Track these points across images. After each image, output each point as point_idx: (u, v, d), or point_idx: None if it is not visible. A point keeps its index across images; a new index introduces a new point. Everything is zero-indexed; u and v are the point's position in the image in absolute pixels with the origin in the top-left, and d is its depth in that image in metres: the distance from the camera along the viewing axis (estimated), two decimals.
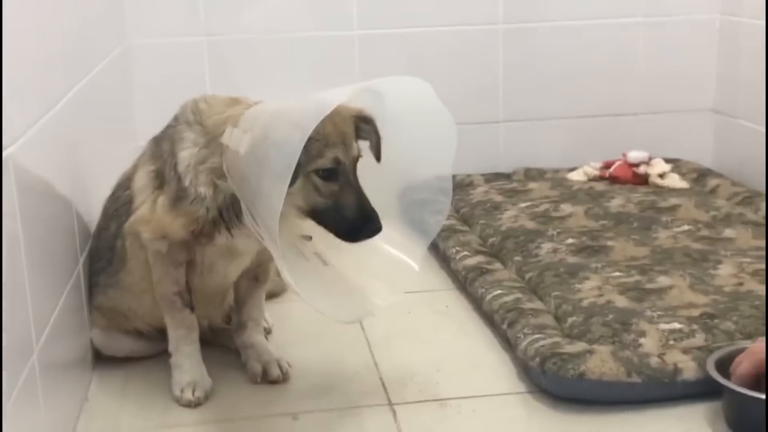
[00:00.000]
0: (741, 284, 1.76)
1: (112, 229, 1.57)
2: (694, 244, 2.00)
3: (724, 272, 1.82)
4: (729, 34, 2.58)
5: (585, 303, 1.68)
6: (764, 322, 1.58)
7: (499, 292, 1.76)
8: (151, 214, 1.47)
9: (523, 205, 2.28)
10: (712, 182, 2.45)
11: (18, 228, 1.18)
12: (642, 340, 1.53)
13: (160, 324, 1.58)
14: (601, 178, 2.51)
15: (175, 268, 1.50)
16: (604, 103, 2.63)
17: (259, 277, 1.63)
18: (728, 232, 2.07)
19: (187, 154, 1.43)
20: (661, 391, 1.45)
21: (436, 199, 1.53)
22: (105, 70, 1.94)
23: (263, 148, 1.30)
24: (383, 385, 1.55)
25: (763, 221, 2.16)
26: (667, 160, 2.54)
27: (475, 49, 2.53)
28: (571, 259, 1.91)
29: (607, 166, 2.52)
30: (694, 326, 1.56)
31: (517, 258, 1.95)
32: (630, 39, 2.60)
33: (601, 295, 1.71)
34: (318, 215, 1.39)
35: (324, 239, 1.46)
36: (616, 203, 2.28)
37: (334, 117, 1.33)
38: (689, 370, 1.46)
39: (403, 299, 1.79)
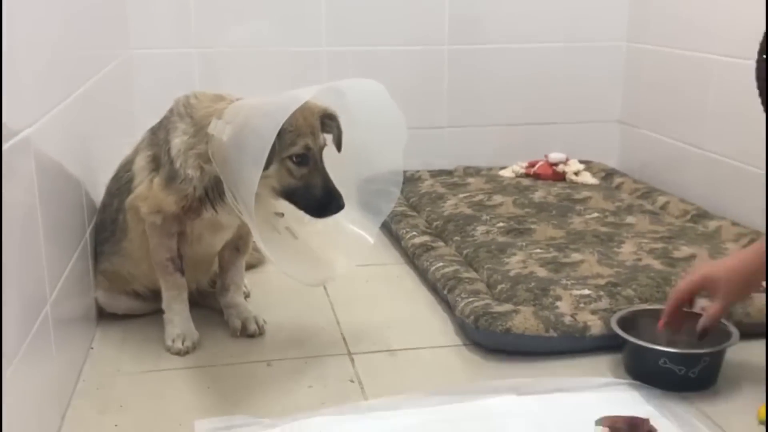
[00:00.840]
0: (639, 260, 1.78)
1: (115, 204, 1.56)
2: (602, 228, 2.03)
3: (626, 250, 1.85)
4: (633, 58, 2.61)
5: (512, 273, 1.70)
6: (658, 289, 1.60)
7: (441, 264, 1.77)
8: (148, 191, 1.46)
9: (462, 195, 2.29)
10: (617, 180, 2.48)
11: (36, 201, 1.17)
12: (558, 303, 1.55)
13: (155, 286, 1.56)
14: (526, 175, 2.53)
15: (168, 238, 1.49)
16: (530, 113, 2.64)
17: (239, 248, 1.62)
18: (629, 219, 2.10)
19: (178, 142, 1.42)
20: (572, 344, 1.47)
21: (388, 189, 1.54)
22: (110, 73, 1.93)
23: (243, 137, 1.29)
24: (343, 338, 1.56)
25: (658, 210, 2.20)
26: (581, 161, 2.56)
27: (424, 65, 2.54)
28: (501, 239, 1.93)
29: (532, 165, 2.54)
30: (601, 292, 1.58)
31: (457, 238, 1.96)
32: (552, 60, 2.62)
33: (525, 267, 1.73)
34: (290, 195, 1.38)
35: (294, 216, 1.46)
36: (538, 195, 2.30)
37: (304, 111, 1.34)
38: (596, 327, 1.48)
39: (362, 270, 1.83)
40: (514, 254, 1.81)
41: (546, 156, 2.54)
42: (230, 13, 2.37)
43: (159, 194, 1.44)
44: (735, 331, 1.39)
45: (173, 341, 1.49)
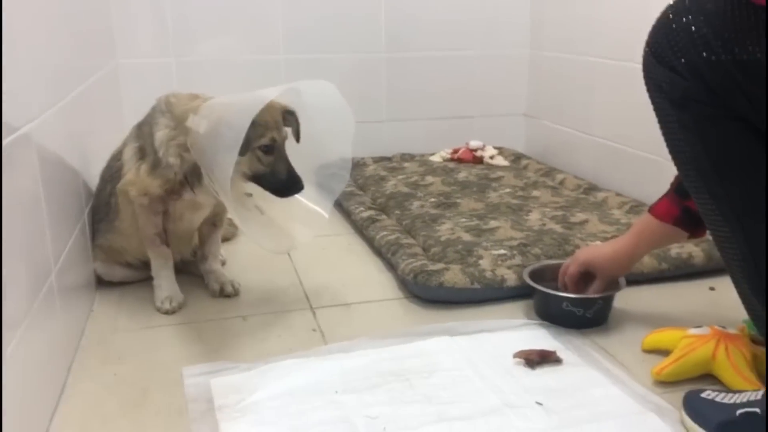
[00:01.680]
0: (544, 225, 1.80)
1: (108, 189, 1.50)
2: (513, 200, 2.04)
3: (533, 217, 1.86)
4: (534, 62, 2.63)
5: (442, 238, 1.70)
6: (560, 248, 1.62)
7: (385, 233, 1.76)
8: (136, 177, 1.41)
9: (400, 177, 2.28)
10: (524, 162, 2.50)
11: (39, 188, 1.13)
12: (480, 261, 1.55)
13: (144, 257, 1.52)
14: (451, 160, 2.52)
15: (155, 216, 1.44)
16: (453, 108, 2.63)
17: (216, 223, 1.58)
18: (535, 193, 2.11)
19: (161, 134, 1.38)
20: (493, 294, 1.48)
21: (340, 173, 1.52)
22: (100, 79, 1.86)
23: (219, 130, 1.26)
24: (306, 295, 1.54)
25: (557, 185, 2.22)
26: (495, 147, 2.57)
27: (366, 70, 2.51)
28: (433, 211, 1.93)
29: (456, 151, 2.54)
30: (514, 251, 1.59)
31: (397, 211, 1.95)
32: (470, 65, 2.61)
33: (453, 233, 1.73)
34: (258, 179, 1.36)
35: (261, 196, 1.43)
36: (462, 175, 2.31)
37: (269, 108, 1.31)
38: (511, 279, 1.49)
39: (319, 240, 1.80)
40: (444, 223, 1.81)
41: (467, 143, 2.54)
42: (202, 28, 2.30)
43: (145, 179, 1.40)
44: (622, 280, 1.41)
45: (162, 302, 1.46)
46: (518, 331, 1.35)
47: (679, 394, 1.09)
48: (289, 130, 1.41)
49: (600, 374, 1.19)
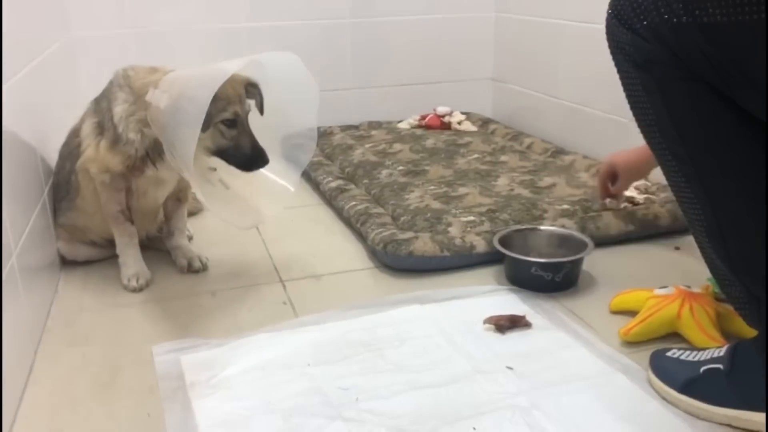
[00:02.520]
0: (512, 190, 1.81)
1: (67, 167, 1.47)
2: (481, 166, 2.04)
3: (501, 183, 1.87)
4: (501, 25, 2.61)
5: (412, 207, 1.69)
6: (528, 213, 1.63)
7: (354, 203, 1.75)
8: (96, 154, 1.38)
9: (368, 145, 2.26)
10: (492, 126, 2.50)
11: None
12: (450, 229, 1.55)
13: (108, 235, 1.49)
14: (419, 126, 2.51)
15: (117, 192, 1.42)
16: (419, 74, 2.61)
17: (180, 198, 1.56)
18: (503, 158, 2.12)
19: (120, 110, 1.35)
20: (462, 261, 1.49)
21: (306, 143, 1.50)
22: (54, 53, 1.80)
23: (180, 105, 1.23)
24: (275, 268, 1.53)
25: (524, 150, 2.23)
26: (463, 113, 2.56)
27: (330, 37, 2.46)
28: (402, 179, 1.92)
29: (423, 117, 2.52)
30: (483, 218, 1.60)
31: (365, 181, 1.94)
32: (435, 30, 2.58)
33: (422, 201, 1.73)
34: (222, 153, 1.34)
35: (226, 170, 1.41)
36: (430, 142, 2.30)
37: (231, 81, 1.29)
38: (480, 246, 1.50)
39: (287, 212, 1.79)
40: (413, 191, 1.80)
41: (434, 109, 2.52)
42: None
43: (106, 156, 1.37)
44: (590, 242, 1.43)
45: (129, 280, 1.44)
46: (488, 297, 1.37)
47: (645, 354, 1.12)
48: (252, 103, 1.39)
49: (569, 337, 1.22)
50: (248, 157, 1.33)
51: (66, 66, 2.01)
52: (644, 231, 1.61)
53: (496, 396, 1.05)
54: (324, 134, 2.40)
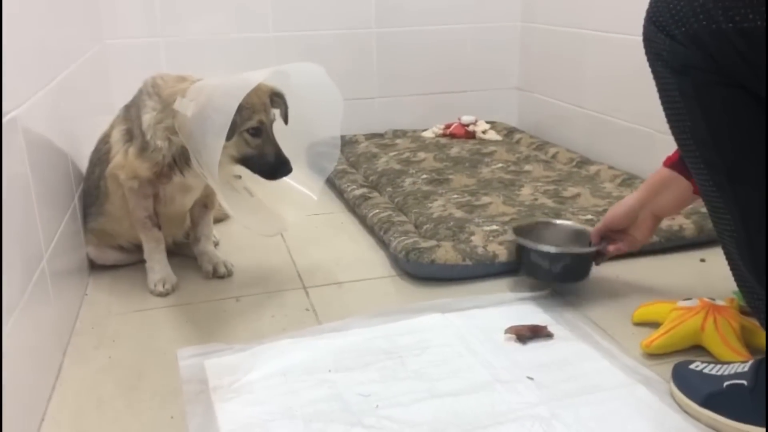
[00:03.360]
0: (536, 199, 1.81)
1: (97, 173, 1.50)
2: (505, 175, 2.04)
3: (525, 192, 1.87)
4: (526, 35, 2.61)
5: (434, 215, 1.70)
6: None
7: (377, 211, 1.76)
8: (125, 160, 1.41)
9: (392, 154, 2.28)
10: (517, 136, 2.50)
11: (27, 172, 1.13)
12: (472, 238, 1.56)
13: (136, 240, 1.52)
14: (443, 135, 2.52)
15: (145, 199, 1.44)
16: (444, 83, 2.62)
17: (207, 205, 1.59)
18: (527, 167, 2.12)
19: (148, 117, 1.37)
20: (485, 270, 1.49)
21: (330, 151, 1.52)
22: (88, 61, 1.85)
23: (206, 113, 1.25)
24: (299, 275, 1.55)
25: (549, 159, 2.22)
26: (488, 122, 2.57)
27: (356, 46, 2.49)
28: (425, 188, 1.93)
29: (448, 126, 2.53)
30: (506, 227, 1.60)
31: (389, 189, 1.95)
32: (461, 39, 2.59)
33: (445, 210, 1.73)
34: (247, 162, 1.36)
35: (250, 178, 1.43)
36: (454, 151, 2.31)
37: (257, 91, 1.31)
38: (503, 255, 1.50)
39: (312, 219, 1.82)
40: (436, 200, 1.81)
41: (459, 118, 2.53)
42: (190, 7, 2.28)
43: (134, 162, 1.40)
44: (603, 243, 1.39)
45: (155, 285, 1.46)
46: (509, 306, 1.37)
47: (668, 366, 1.11)
48: (277, 112, 1.41)
49: (590, 348, 1.21)
50: (272, 165, 1.35)
51: (98, 73, 2.06)
52: (669, 242, 1.59)
53: (516, 406, 1.05)
54: (348, 142, 2.42)
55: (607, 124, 2.16)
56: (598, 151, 2.19)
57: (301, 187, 1.51)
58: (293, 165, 1.37)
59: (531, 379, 1.12)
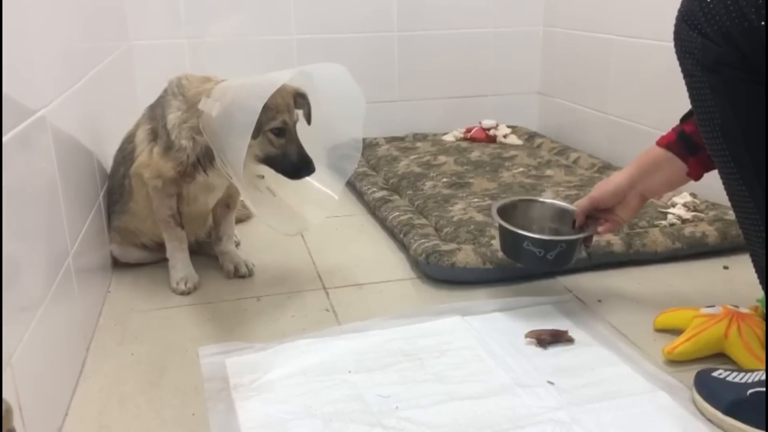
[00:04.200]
0: None
1: (121, 171, 1.52)
2: (526, 179, 2.04)
3: (547, 197, 1.85)
4: (548, 39, 2.61)
5: (455, 218, 1.70)
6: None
7: (397, 214, 1.76)
8: (149, 159, 1.43)
9: (412, 157, 2.28)
10: (538, 140, 2.49)
11: (55, 169, 1.14)
12: (493, 241, 1.55)
13: (159, 239, 1.53)
14: (464, 139, 2.52)
15: (168, 198, 1.46)
16: (466, 87, 2.62)
17: (229, 205, 1.60)
18: (548, 172, 2.11)
19: (173, 117, 1.39)
20: (505, 273, 1.48)
21: (351, 154, 1.52)
22: (114, 61, 1.87)
23: (231, 113, 1.27)
24: (319, 276, 1.55)
25: (571, 164, 2.21)
26: (509, 126, 2.56)
27: (378, 49, 2.50)
28: (445, 191, 1.93)
29: (469, 130, 2.53)
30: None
31: (409, 192, 1.95)
32: (483, 43, 2.59)
33: (465, 213, 1.73)
34: (270, 161, 1.37)
35: (273, 178, 1.44)
36: (475, 154, 2.30)
37: (280, 91, 1.32)
38: None
39: (332, 221, 1.82)
40: (456, 203, 1.81)
41: (480, 122, 2.53)
42: (214, 8, 2.30)
43: (159, 162, 1.41)
44: (592, 225, 1.35)
45: (177, 283, 1.48)
46: (530, 310, 1.36)
47: (690, 374, 1.10)
48: (300, 113, 1.42)
49: (611, 353, 1.20)
50: (295, 165, 1.36)
51: (123, 73, 2.08)
52: (692, 249, 1.58)
53: (536, 410, 1.05)
54: (369, 145, 2.42)
55: (630, 129, 2.15)
56: (621, 156, 2.18)
57: (322, 187, 1.52)
58: (315, 166, 1.37)
59: (551, 383, 1.11)
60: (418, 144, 2.46)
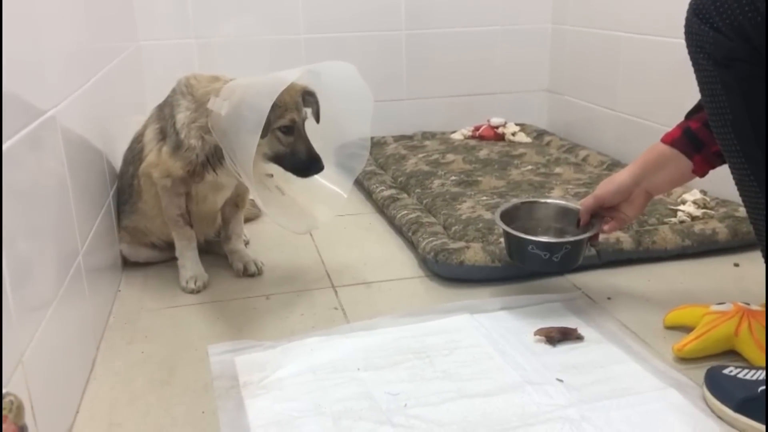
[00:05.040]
0: None
1: (130, 171, 1.53)
2: (535, 177, 2.03)
3: (555, 194, 1.85)
4: (557, 37, 2.60)
5: (463, 217, 1.70)
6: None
7: (406, 212, 1.76)
8: (158, 159, 1.43)
9: (420, 155, 2.28)
10: (547, 138, 2.48)
11: (65, 170, 1.15)
12: (501, 239, 1.53)
13: (168, 238, 1.54)
14: (473, 137, 2.51)
15: (177, 197, 1.46)
16: (474, 85, 2.62)
17: (238, 204, 1.60)
18: (557, 170, 2.10)
19: (182, 116, 1.40)
20: (513, 272, 1.48)
21: (359, 153, 1.52)
22: (122, 62, 1.88)
23: (240, 111, 1.27)
24: (328, 274, 1.55)
25: (580, 162, 2.20)
26: (517, 124, 2.55)
27: (386, 48, 2.50)
28: (454, 189, 1.93)
29: (477, 128, 2.52)
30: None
31: (418, 190, 1.95)
32: (491, 41, 2.59)
33: (474, 212, 1.73)
34: (279, 159, 1.37)
35: (282, 176, 1.44)
36: (483, 153, 2.30)
37: (289, 90, 1.32)
38: None
39: (340, 219, 1.82)
40: (465, 201, 1.81)
41: (488, 120, 2.52)
42: (222, 8, 2.31)
43: (167, 161, 1.42)
44: (597, 224, 1.34)
45: (187, 282, 1.48)
46: (538, 308, 1.36)
47: (700, 371, 1.09)
48: (308, 111, 1.42)
49: (621, 351, 1.20)
50: (304, 162, 1.36)
51: (132, 74, 2.09)
52: (702, 247, 1.57)
53: (546, 407, 1.05)
54: (377, 144, 2.43)
55: (640, 126, 2.14)
56: (630, 154, 2.15)
57: (331, 185, 1.52)
58: (324, 164, 1.37)
59: (561, 381, 1.11)
60: (427, 142, 2.46)
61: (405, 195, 1.94)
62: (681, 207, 1.69)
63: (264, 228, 1.84)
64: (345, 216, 1.87)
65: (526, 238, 1.32)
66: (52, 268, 1.03)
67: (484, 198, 1.83)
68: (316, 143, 1.38)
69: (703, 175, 1.22)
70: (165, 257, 1.60)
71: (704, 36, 0.92)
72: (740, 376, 1.03)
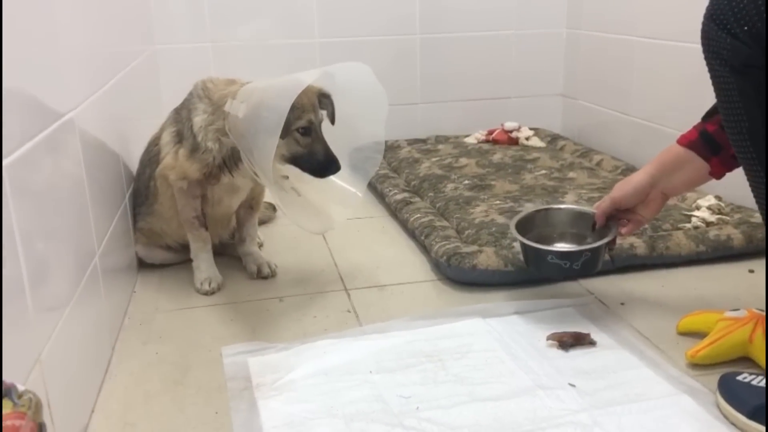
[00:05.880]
0: None
1: (147, 173, 1.54)
2: (549, 182, 2.03)
3: (569, 199, 1.84)
4: (571, 41, 2.59)
5: (476, 221, 1.70)
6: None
7: (419, 216, 1.77)
8: (174, 161, 1.45)
9: (434, 159, 2.28)
10: (561, 142, 2.47)
11: (83, 172, 1.16)
12: (514, 243, 1.54)
13: (184, 240, 1.56)
14: (486, 141, 2.51)
15: (193, 199, 1.48)
16: (488, 89, 2.62)
17: (253, 206, 1.62)
18: (571, 174, 2.10)
19: (199, 119, 1.41)
20: (526, 276, 1.47)
21: (373, 156, 1.53)
22: (139, 65, 1.90)
23: (258, 113, 1.28)
24: (341, 277, 1.56)
25: (594, 167, 2.20)
26: (531, 128, 2.55)
27: (400, 52, 2.50)
28: (467, 194, 1.93)
29: (491, 132, 2.52)
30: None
31: (431, 194, 1.96)
32: (505, 45, 2.59)
33: (487, 216, 1.73)
34: (297, 160, 1.38)
35: (297, 178, 1.45)
36: (497, 157, 2.30)
37: (306, 91, 1.33)
38: None
39: (353, 222, 1.83)
40: (478, 205, 1.81)
41: (502, 124, 2.52)
42: (238, 12, 2.33)
43: (184, 164, 1.43)
44: (614, 228, 1.33)
45: (201, 284, 1.50)
46: (551, 313, 1.35)
47: (714, 377, 1.09)
48: (324, 113, 1.43)
49: (634, 356, 1.19)
50: (321, 163, 1.37)
51: (149, 77, 2.12)
52: (716, 252, 1.56)
53: (558, 412, 1.05)
54: (391, 148, 2.43)
55: (654, 131, 2.13)
56: (644, 159, 2.12)
57: (346, 185, 1.53)
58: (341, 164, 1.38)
59: (573, 386, 1.11)
60: (440, 146, 2.46)
61: (418, 198, 1.94)
62: (695, 212, 1.68)
63: (278, 230, 1.85)
64: (358, 219, 1.88)
65: (544, 249, 1.32)
66: (69, 268, 1.05)
67: (498, 202, 1.83)
68: (331, 145, 1.39)
69: (720, 177, 1.21)
70: (180, 259, 1.61)
71: (721, 42, 0.92)
72: (754, 383, 1.02)
